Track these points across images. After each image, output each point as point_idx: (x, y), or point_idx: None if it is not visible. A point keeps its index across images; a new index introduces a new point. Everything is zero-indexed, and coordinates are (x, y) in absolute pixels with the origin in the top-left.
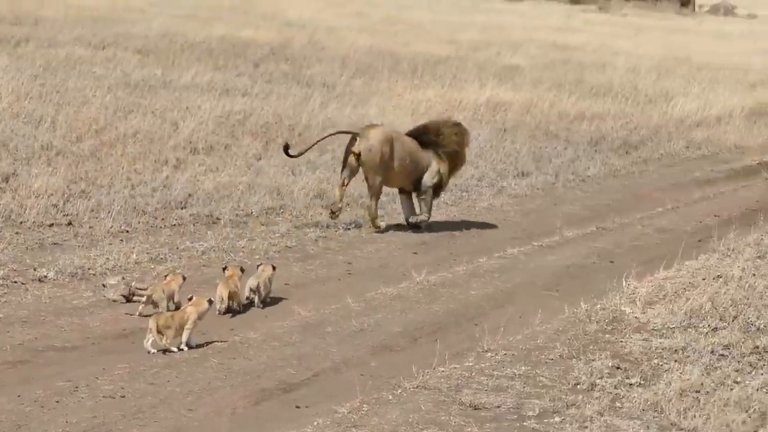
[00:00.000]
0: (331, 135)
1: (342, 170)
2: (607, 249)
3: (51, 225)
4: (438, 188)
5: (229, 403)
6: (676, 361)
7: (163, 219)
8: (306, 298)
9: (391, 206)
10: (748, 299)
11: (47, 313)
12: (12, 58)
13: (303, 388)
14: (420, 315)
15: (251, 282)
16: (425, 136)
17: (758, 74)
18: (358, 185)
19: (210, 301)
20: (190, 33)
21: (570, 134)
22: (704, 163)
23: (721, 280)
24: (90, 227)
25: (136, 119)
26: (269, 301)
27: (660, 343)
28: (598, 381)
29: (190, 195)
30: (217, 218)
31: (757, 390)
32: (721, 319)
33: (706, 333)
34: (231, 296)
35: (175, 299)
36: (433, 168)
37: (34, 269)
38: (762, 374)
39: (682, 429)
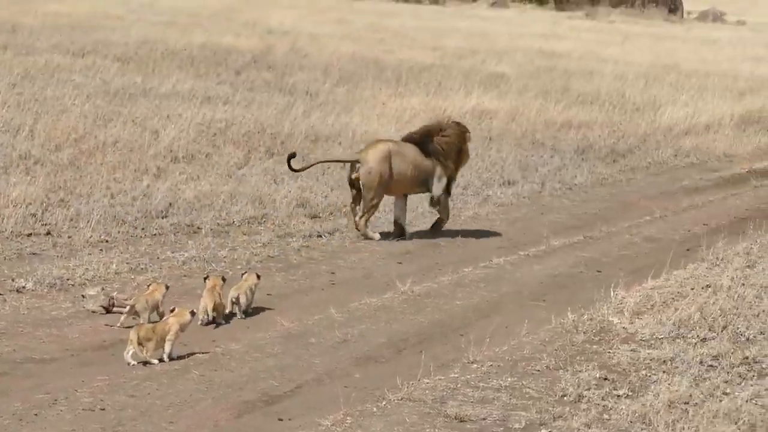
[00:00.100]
0: (334, 161)
1: (353, 200)
2: (595, 258)
3: (29, 235)
4: (448, 190)
5: (210, 415)
6: (664, 372)
7: (143, 229)
8: (289, 309)
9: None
10: (737, 309)
11: (25, 324)
12: None
13: (286, 400)
14: (405, 326)
15: (232, 293)
16: (426, 141)
17: (747, 81)
18: (343, 193)
19: (192, 313)
20: (171, 40)
21: (556, 142)
22: (693, 172)
23: (710, 289)
24: (69, 237)
25: (115, 128)
26: (251, 312)
27: (648, 353)
28: (585, 392)
29: (170, 204)
30: (199, 228)
31: (747, 401)
32: (710, 330)
33: (695, 343)
34: (215, 307)
35: (159, 309)
36: (438, 175)
37: (12, 280)
38: (752, 385)
39: None
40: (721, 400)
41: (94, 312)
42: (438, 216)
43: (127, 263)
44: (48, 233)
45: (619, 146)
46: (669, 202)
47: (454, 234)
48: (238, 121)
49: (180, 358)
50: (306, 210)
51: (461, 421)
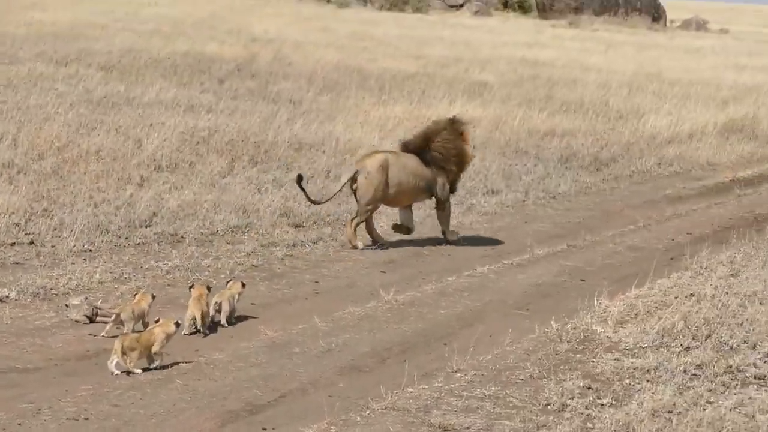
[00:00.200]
0: (344, 185)
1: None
2: (578, 267)
3: (12, 244)
4: (452, 190)
5: (194, 425)
6: (648, 381)
7: (126, 238)
8: (272, 318)
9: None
10: (721, 318)
11: (9, 334)
12: None
13: (269, 410)
14: (388, 335)
15: (215, 299)
16: (424, 150)
17: (730, 90)
18: (327, 204)
19: (177, 324)
20: (154, 49)
21: (540, 151)
22: (676, 180)
23: (693, 298)
24: (52, 246)
25: (99, 136)
26: (234, 322)
27: (632, 362)
28: (569, 401)
29: (154, 213)
30: (182, 237)
31: (730, 410)
32: (693, 339)
33: (679, 352)
34: (202, 317)
35: (145, 319)
36: (440, 182)
37: None
38: (735, 394)
39: None
40: (704, 409)
41: (77, 321)
42: (448, 238)
43: (110, 272)
44: (31, 242)
45: (602, 155)
46: (652, 210)
47: (437, 243)
48: (221, 129)
49: (163, 367)
50: (289, 219)
51: (445, 430)
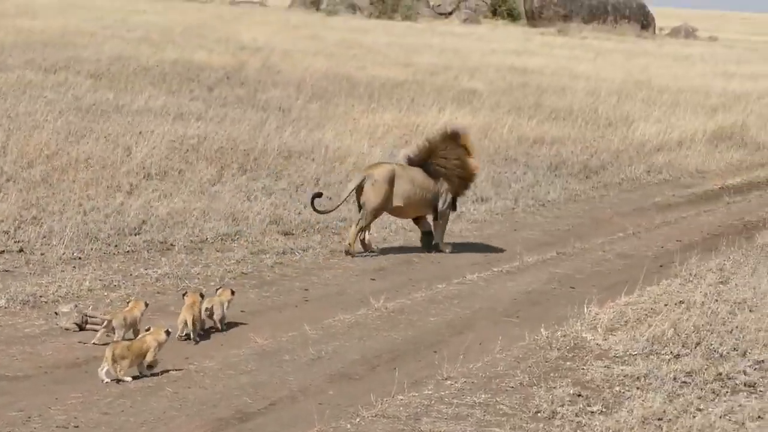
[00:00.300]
0: (350, 193)
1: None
2: (568, 275)
3: (2, 252)
4: (453, 205)
5: None
6: (638, 388)
7: (116, 246)
8: (262, 326)
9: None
10: (710, 325)
11: None
12: None
13: (260, 418)
14: (378, 342)
15: (205, 304)
16: (428, 163)
17: (719, 97)
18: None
19: (168, 332)
20: (143, 56)
21: (529, 159)
22: (665, 188)
23: (683, 305)
24: (42, 254)
25: (88, 144)
26: (224, 328)
27: (622, 370)
28: (559, 409)
29: (143, 221)
30: (172, 244)
31: (720, 417)
32: (683, 346)
33: (669, 360)
34: (194, 322)
35: (137, 327)
36: (443, 190)
37: None
38: (725, 401)
39: None
40: (694, 417)
41: (67, 329)
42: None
43: (100, 280)
44: (21, 250)
45: (591, 162)
46: (642, 218)
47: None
48: (210, 137)
49: (153, 375)
50: (279, 227)
51: None
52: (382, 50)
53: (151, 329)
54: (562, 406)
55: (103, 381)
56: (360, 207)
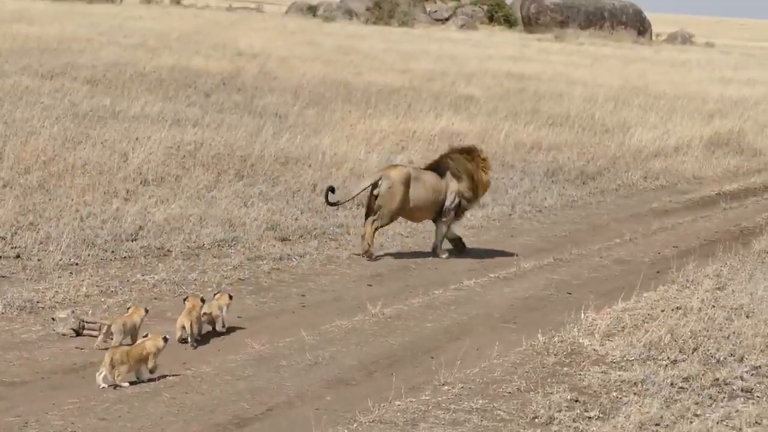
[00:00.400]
0: (363, 190)
1: (366, 217)
2: (565, 280)
3: None
4: (459, 209)
5: None
6: (635, 394)
7: (113, 251)
8: (260, 332)
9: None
10: (707, 331)
11: None
12: None
13: (257, 423)
14: (375, 348)
15: (204, 309)
16: (440, 167)
17: (716, 103)
18: (313, 216)
19: (165, 339)
20: (140, 63)
21: (526, 165)
22: (662, 194)
23: (680, 311)
24: (39, 260)
25: (85, 150)
26: (223, 333)
27: (619, 375)
28: (556, 414)
29: (140, 227)
30: (169, 250)
31: (718, 423)
32: (680, 352)
33: (666, 365)
34: (192, 326)
35: (137, 332)
36: (452, 189)
37: None
38: (722, 407)
39: None
40: (692, 422)
41: (64, 335)
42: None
43: (97, 286)
44: (17, 256)
45: (588, 168)
46: (639, 224)
47: (424, 256)
48: (207, 143)
49: (151, 380)
50: (276, 233)
51: None
52: (379, 56)
53: (149, 335)
54: (560, 411)
55: (100, 386)
56: (368, 208)
